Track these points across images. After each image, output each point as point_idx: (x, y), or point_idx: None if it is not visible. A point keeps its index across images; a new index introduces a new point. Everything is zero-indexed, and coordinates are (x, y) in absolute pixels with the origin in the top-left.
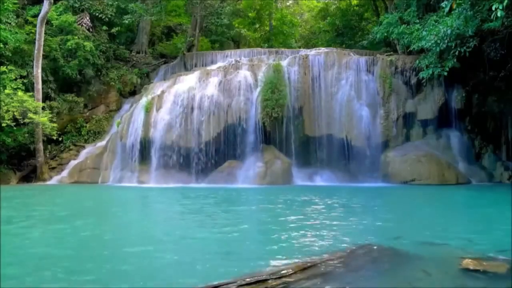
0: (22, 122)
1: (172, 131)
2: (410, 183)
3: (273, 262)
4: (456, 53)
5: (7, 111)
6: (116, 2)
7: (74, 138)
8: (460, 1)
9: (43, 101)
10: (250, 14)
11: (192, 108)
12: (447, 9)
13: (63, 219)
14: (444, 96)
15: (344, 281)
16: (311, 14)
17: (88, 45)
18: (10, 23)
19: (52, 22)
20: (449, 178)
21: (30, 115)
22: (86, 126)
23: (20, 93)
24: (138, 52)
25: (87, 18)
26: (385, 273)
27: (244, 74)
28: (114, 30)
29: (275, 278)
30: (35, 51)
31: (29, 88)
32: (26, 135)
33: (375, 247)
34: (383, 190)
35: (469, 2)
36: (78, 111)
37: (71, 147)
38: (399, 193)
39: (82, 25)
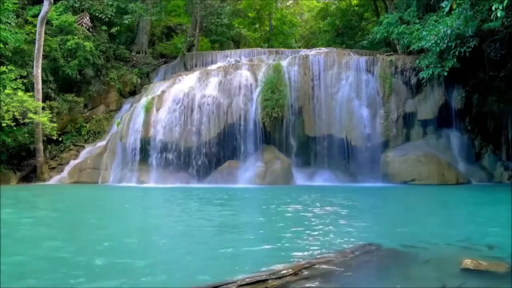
0: (22, 122)
1: (172, 131)
2: (410, 183)
3: (273, 262)
4: (456, 53)
5: (7, 111)
6: (116, 2)
7: (74, 138)
8: (460, 1)
9: (43, 101)
10: (250, 14)
11: (192, 108)
12: (447, 9)
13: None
14: (444, 96)
15: (344, 281)
16: (311, 14)
17: (88, 45)
18: (10, 23)
19: (52, 22)
20: (449, 178)
21: (30, 115)
22: (86, 126)
23: (20, 93)
24: (138, 52)
25: (87, 18)
26: (385, 273)
27: (244, 74)
28: (114, 30)
29: (275, 278)
30: (35, 51)
31: (29, 88)
32: (26, 135)
33: (374, 247)
34: (383, 190)
35: (469, 2)
36: (78, 111)
37: (71, 147)
38: (398, 193)
39: (82, 25)
